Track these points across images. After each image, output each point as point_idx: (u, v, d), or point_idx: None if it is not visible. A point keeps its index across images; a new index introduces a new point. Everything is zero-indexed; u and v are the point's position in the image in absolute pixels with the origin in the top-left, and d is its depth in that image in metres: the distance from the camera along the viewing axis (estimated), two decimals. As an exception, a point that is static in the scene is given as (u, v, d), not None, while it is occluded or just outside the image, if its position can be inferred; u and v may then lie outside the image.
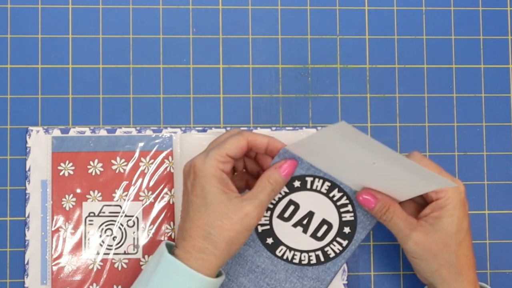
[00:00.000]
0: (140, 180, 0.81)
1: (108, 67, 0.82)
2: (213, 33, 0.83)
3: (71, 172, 0.81)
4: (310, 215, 0.76)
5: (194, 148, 0.80)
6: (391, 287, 0.83)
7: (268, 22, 0.84)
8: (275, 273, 0.77)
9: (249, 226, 0.70)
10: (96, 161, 0.81)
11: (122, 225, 0.81)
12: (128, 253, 0.81)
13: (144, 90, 0.82)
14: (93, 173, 0.81)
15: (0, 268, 0.80)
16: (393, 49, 0.85)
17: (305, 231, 0.77)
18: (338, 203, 0.75)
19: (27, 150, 0.81)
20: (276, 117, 0.83)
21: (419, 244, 0.71)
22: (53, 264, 0.80)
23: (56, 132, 0.81)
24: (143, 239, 0.81)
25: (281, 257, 0.77)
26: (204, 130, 0.82)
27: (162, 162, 0.81)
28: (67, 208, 0.80)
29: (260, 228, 0.77)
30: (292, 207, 0.76)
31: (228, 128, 0.82)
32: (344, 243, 0.76)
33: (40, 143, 0.81)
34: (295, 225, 0.76)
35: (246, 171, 0.77)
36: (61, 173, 0.80)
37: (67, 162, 0.81)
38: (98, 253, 0.80)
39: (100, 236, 0.81)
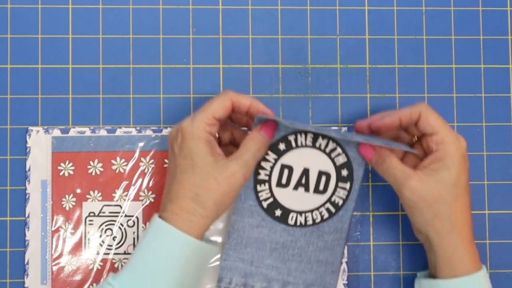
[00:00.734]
0: (140, 180, 0.81)
1: (108, 67, 0.82)
2: (213, 33, 0.83)
3: (71, 172, 0.81)
4: (305, 172, 0.76)
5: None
6: (391, 287, 0.83)
7: (268, 22, 0.84)
8: (295, 242, 0.78)
9: (235, 185, 0.71)
10: (96, 161, 0.81)
11: (122, 225, 0.81)
12: (128, 253, 0.81)
13: (144, 90, 0.82)
14: (93, 173, 0.81)
15: (0, 268, 0.80)
16: (393, 49, 0.85)
17: (307, 190, 0.77)
18: (327, 150, 0.76)
19: (27, 150, 0.81)
20: (276, 117, 0.83)
21: (415, 192, 0.72)
22: (53, 264, 0.80)
23: (56, 132, 0.81)
24: (143, 239, 0.81)
25: (294, 225, 0.78)
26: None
27: (162, 162, 0.81)
28: (67, 208, 0.80)
29: (265, 204, 0.77)
30: (286, 171, 0.76)
31: (228, 128, 0.82)
32: (347, 186, 0.77)
33: (40, 143, 0.81)
34: (295, 188, 0.77)
35: (233, 145, 0.78)
36: (61, 173, 0.80)
37: (67, 162, 0.81)
38: (98, 253, 0.80)
39: (100, 236, 0.81)
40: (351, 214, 0.78)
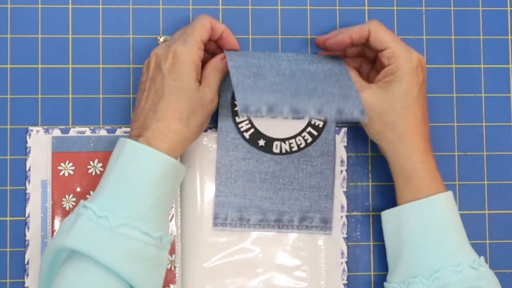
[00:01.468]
0: (140, 180, 0.81)
1: (108, 67, 0.82)
2: (213, 33, 0.83)
3: (71, 172, 0.81)
4: None
5: (193, 147, 0.80)
6: (391, 287, 0.83)
7: (268, 22, 0.84)
8: (284, 170, 0.79)
9: (212, 111, 0.76)
10: (96, 161, 0.81)
11: (122, 225, 0.81)
12: (128, 253, 0.81)
13: (144, 90, 0.82)
14: (93, 173, 0.81)
15: (0, 268, 0.80)
16: (393, 49, 0.85)
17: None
18: None
19: (27, 150, 0.81)
20: (276, 117, 0.83)
21: (365, 102, 0.74)
22: (53, 264, 0.80)
23: (56, 132, 0.81)
24: (143, 239, 0.81)
25: (280, 153, 0.79)
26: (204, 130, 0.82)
27: (162, 162, 0.81)
28: (67, 208, 0.80)
29: (247, 135, 0.79)
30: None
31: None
32: None
33: (40, 143, 0.81)
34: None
35: None
36: (61, 173, 0.80)
37: (67, 162, 0.81)
38: (98, 253, 0.80)
39: (100, 236, 0.80)
40: (334, 135, 0.80)
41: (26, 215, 0.80)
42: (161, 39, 0.80)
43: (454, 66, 0.85)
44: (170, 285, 0.79)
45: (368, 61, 0.81)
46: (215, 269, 0.79)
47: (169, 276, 0.79)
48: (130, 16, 0.83)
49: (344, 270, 0.81)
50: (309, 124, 0.80)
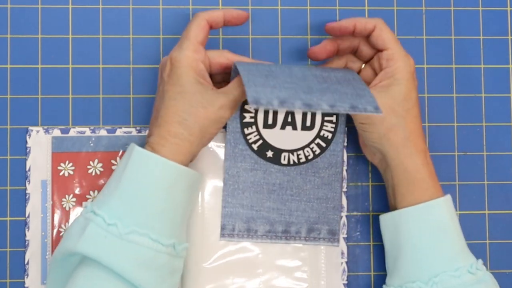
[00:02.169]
0: (140, 180, 0.81)
1: (108, 67, 0.82)
2: (213, 33, 0.83)
3: (71, 172, 0.81)
4: (290, 110, 0.77)
5: (198, 153, 0.80)
6: (391, 287, 0.83)
7: (268, 22, 0.84)
8: (291, 181, 0.79)
9: (222, 118, 0.73)
10: (96, 161, 0.81)
11: (122, 225, 0.81)
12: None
13: (144, 90, 0.82)
14: (93, 173, 0.81)
15: (0, 268, 0.80)
16: (393, 49, 0.85)
17: (295, 128, 0.78)
18: None
19: (27, 150, 0.81)
20: (276, 117, 0.83)
21: None
22: (53, 264, 0.80)
23: (56, 132, 0.81)
24: (143, 239, 0.81)
25: (288, 164, 0.79)
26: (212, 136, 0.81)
27: (162, 162, 0.81)
28: (67, 208, 0.80)
29: (255, 146, 0.79)
30: (271, 112, 0.78)
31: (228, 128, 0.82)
32: (333, 118, 0.79)
33: (40, 143, 0.81)
34: (283, 127, 0.78)
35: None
36: (61, 173, 0.80)
37: (67, 162, 0.81)
38: (98, 253, 0.80)
39: (100, 236, 0.80)
40: (342, 146, 0.80)
41: (26, 215, 0.80)
42: None
43: (454, 66, 0.85)
44: (170, 285, 0.79)
45: (359, 60, 0.80)
46: (215, 269, 0.79)
47: (169, 276, 0.79)
48: (130, 16, 0.83)
49: (344, 270, 0.81)
50: (317, 135, 0.79)
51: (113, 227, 0.68)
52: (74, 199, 0.80)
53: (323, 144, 0.79)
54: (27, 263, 0.80)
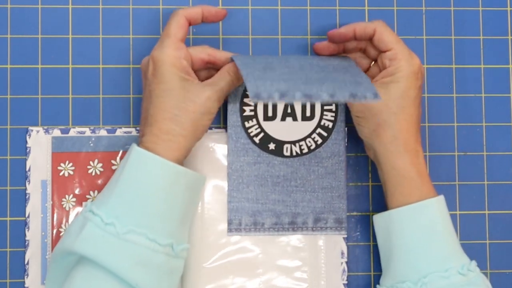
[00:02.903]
0: (140, 180, 0.81)
1: (108, 67, 0.82)
2: (213, 33, 0.83)
3: (71, 172, 0.81)
4: None
5: (195, 147, 0.80)
6: (391, 287, 0.83)
7: (268, 22, 0.84)
8: (295, 172, 0.80)
9: (211, 109, 0.73)
10: (96, 161, 0.81)
11: (122, 225, 0.81)
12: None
13: (144, 90, 0.82)
14: (93, 173, 0.81)
15: (0, 268, 0.80)
16: (393, 49, 0.85)
17: (295, 119, 0.79)
18: None
19: (27, 150, 0.81)
20: (276, 117, 0.83)
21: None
22: (53, 264, 0.80)
23: (56, 132, 0.81)
24: (143, 239, 0.81)
25: (291, 155, 0.79)
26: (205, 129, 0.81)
27: (162, 162, 0.81)
28: (67, 208, 0.80)
29: (256, 139, 0.79)
30: (271, 104, 0.79)
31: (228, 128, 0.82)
32: (332, 107, 0.80)
33: (40, 143, 0.81)
34: (283, 118, 0.79)
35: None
36: (61, 173, 0.80)
37: (67, 162, 0.81)
38: (98, 253, 0.80)
39: (100, 236, 0.80)
40: (344, 135, 0.80)
41: (26, 215, 0.80)
42: None
43: (454, 66, 0.85)
44: (170, 285, 0.79)
45: (368, 58, 0.81)
46: (215, 269, 0.79)
47: (169, 276, 0.79)
48: (130, 16, 0.83)
49: (344, 270, 0.81)
50: (318, 125, 0.80)
51: (110, 226, 0.68)
52: (74, 199, 0.80)
53: (324, 134, 0.80)
54: (27, 263, 0.80)
